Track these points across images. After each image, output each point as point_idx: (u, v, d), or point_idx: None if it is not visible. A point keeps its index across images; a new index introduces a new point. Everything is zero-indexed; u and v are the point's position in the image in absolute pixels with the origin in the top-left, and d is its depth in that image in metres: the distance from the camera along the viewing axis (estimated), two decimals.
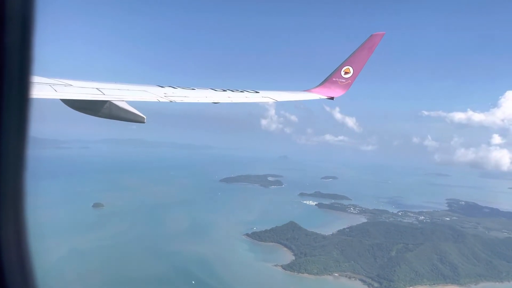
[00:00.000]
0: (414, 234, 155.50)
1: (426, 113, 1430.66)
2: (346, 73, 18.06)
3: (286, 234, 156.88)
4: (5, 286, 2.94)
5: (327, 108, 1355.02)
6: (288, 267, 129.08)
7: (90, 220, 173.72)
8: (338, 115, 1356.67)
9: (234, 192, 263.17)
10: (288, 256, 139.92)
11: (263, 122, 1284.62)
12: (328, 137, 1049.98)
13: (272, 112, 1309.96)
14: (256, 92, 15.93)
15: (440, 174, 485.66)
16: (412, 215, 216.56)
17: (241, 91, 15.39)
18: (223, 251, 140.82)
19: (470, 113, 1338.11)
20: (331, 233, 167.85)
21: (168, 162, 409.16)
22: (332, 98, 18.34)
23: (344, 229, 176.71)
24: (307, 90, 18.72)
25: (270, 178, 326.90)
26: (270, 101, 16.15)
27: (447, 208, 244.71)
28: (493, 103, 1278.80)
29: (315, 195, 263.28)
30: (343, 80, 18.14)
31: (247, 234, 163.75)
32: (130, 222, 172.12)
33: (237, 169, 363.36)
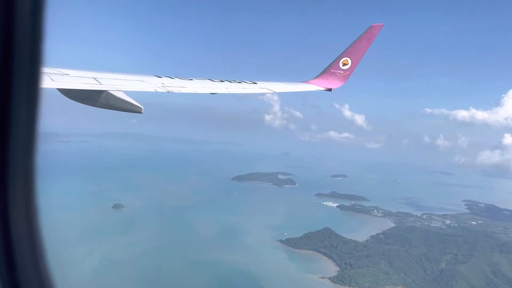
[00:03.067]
0: (457, 243, 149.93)
1: (429, 110, 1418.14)
2: (344, 64, 18.06)
3: (323, 242, 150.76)
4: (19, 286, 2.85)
5: (337, 105, 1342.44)
6: (337, 279, 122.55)
7: (114, 223, 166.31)
8: (347, 112, 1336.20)
9: (250, 192, 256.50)
10: (331, 267, 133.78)
11: (267, 118, 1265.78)
12: (331, 134, 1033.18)
13: (276, 108, 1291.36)
14: (254, 83, 15.87)
15: (445, 173, 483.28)
16: (437, 218, 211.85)
17: (239, 82, 15.38)
18: (262, 260, 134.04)
19: (473, 111, 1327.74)
20: (365, 240, 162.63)
21: (171, 158, 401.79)
22: (330, 90, 18.24)
23: (377, 235, 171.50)
24: (305, 81, 18.66)
25: (280, 176, 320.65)
26: (268, 92, 15.99)
27: (469, 211, 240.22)
28: (496, 102, 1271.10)
29: (332, 195, 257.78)
30: (341, 72, 18.17)
31: (281, 241, 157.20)
32: (155, 225, 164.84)
33: (243, 166, 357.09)
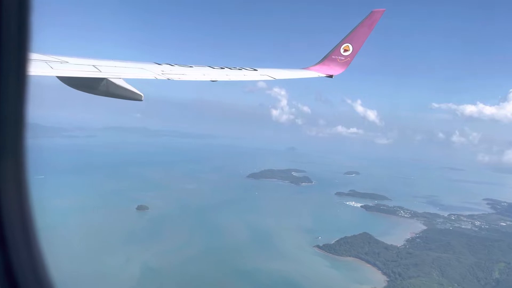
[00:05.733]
0: (501, 248, 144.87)
1: (436, 105, 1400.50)
2: (345, 50, 17.86)
3: (363, 247, 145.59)
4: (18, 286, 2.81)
5: (349, 101, 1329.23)
6: None
7: (142, 226, 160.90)
8: (360, 108, 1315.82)
9: (269, 191, 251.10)
10: (378, 276, 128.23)
11: (274, 112, 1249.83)
12: (339, 129, 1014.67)
13: (284, 102, 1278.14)
14: (254, 70, 15.69)
15: (454, 169, 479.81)
16: (465, 219, 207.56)
17: (239, 69, 15.23)
18: (306, 269, 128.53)
19: (481, 106, 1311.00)
20: (402, 244, 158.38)
21: (181, 153, 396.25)
22: (331, 76, 18.08)
23: (413, 239, 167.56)
24: (305, 68, 18.50)
25: (294, 174, 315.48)
26: (269, 78, 15.66)
27: (494, 211, 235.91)
28: (504, 97, 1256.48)
29: (353, 194, 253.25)
30: (342, 58, 17.98)
31: (318, 246, 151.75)
32: (186, 229, 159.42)
33: (254, 162, 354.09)
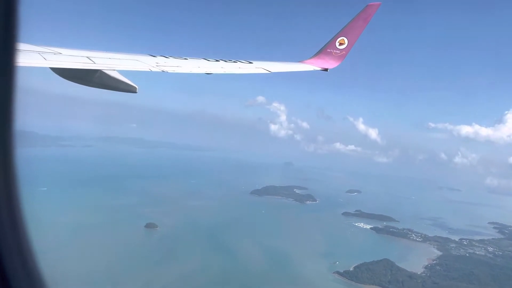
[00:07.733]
0: None
1: (432, 125, 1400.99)
2: (340, 44, 17.91)
3: (386, 275, 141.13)
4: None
5: (351, 119, 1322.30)
6: None
7: (155, 247, 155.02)
8: (361, 126, 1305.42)
9: (275, 210, 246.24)
10: None
11: (273, 127, 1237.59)
12: (337, 146, 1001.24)
13: (283, 117, 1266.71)
14: (250, 62, 15.74)
15: (452, 189, 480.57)
16: (477, 244, 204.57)
17: (234, 61, 15.22)
18: None
19: (477, 127, 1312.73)
20: (421, 271, 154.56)
21: (180, 166, 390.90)
22: (326, 70, 18.11)
23: (431, 266, 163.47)
24: (301, 61, 18.55)
25: (297, 191, 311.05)
26: (264, 71, 15.59)
27: (503, 236, 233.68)
28: (499, 119, 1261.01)
29: (359, 215, 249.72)
30: (337, 51, 18.04)
31: (338, 273, 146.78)
32: (200, 250, 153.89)
33: (254, 177, 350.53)
